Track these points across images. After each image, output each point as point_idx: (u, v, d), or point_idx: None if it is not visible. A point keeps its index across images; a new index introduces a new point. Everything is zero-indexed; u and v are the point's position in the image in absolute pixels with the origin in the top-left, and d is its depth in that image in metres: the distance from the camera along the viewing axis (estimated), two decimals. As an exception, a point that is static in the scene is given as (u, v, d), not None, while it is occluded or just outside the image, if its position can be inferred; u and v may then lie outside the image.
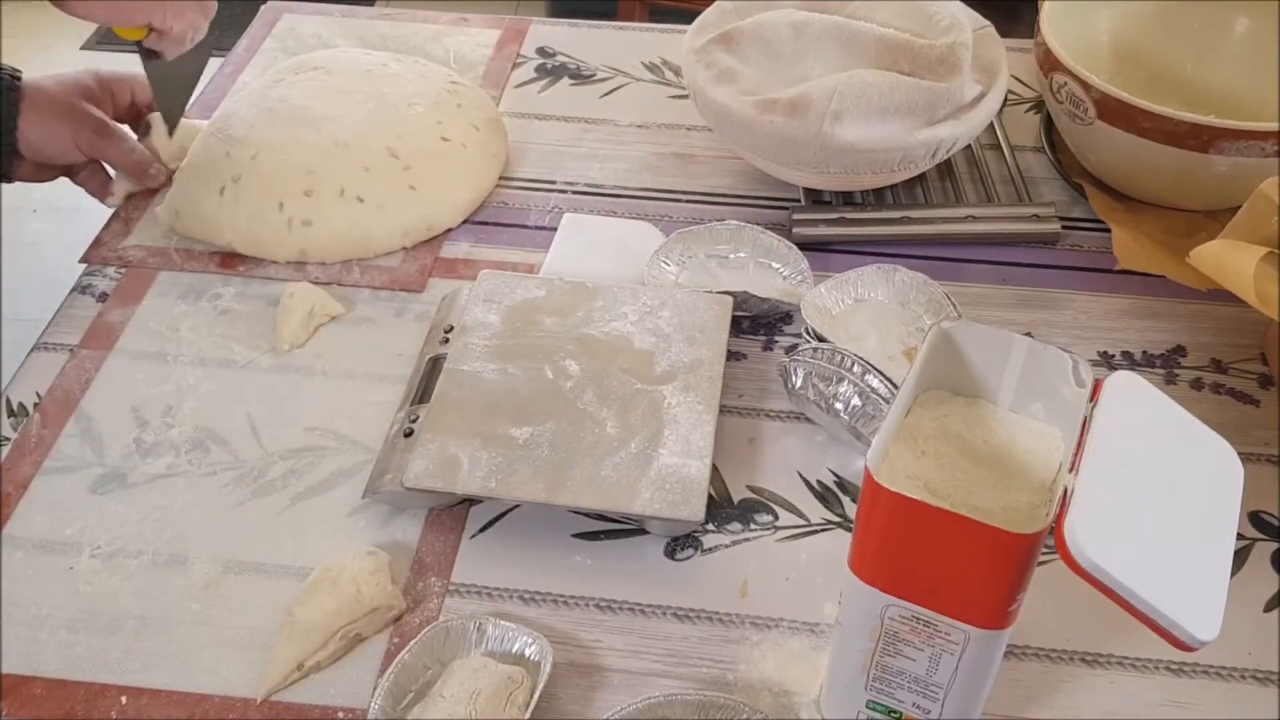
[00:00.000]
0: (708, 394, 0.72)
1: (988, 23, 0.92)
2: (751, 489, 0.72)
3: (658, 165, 0.96)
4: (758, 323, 0.82)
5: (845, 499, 0.72)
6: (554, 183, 0.95)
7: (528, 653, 0.62)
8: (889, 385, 0.70)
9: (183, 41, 0.85)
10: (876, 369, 0.70)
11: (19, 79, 0.84)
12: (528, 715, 0.59)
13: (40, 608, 0.66)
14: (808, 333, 0.76)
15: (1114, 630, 0.64)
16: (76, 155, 0.88)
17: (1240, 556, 0.68)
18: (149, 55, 0.86)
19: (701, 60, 0.89)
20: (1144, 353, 0.81)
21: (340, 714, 0.61)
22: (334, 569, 0.65)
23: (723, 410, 0.75)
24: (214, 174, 0.87)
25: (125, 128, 0.91)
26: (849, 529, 0.70)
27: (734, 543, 0.69)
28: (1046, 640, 0.64)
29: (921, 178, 0.93)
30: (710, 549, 0.69)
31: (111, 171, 0.92)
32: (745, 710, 0.59)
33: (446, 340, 0.77)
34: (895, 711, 0.56)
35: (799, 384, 0.73)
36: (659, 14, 1.83)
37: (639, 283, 0.82)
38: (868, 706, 0.57)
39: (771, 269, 0.84)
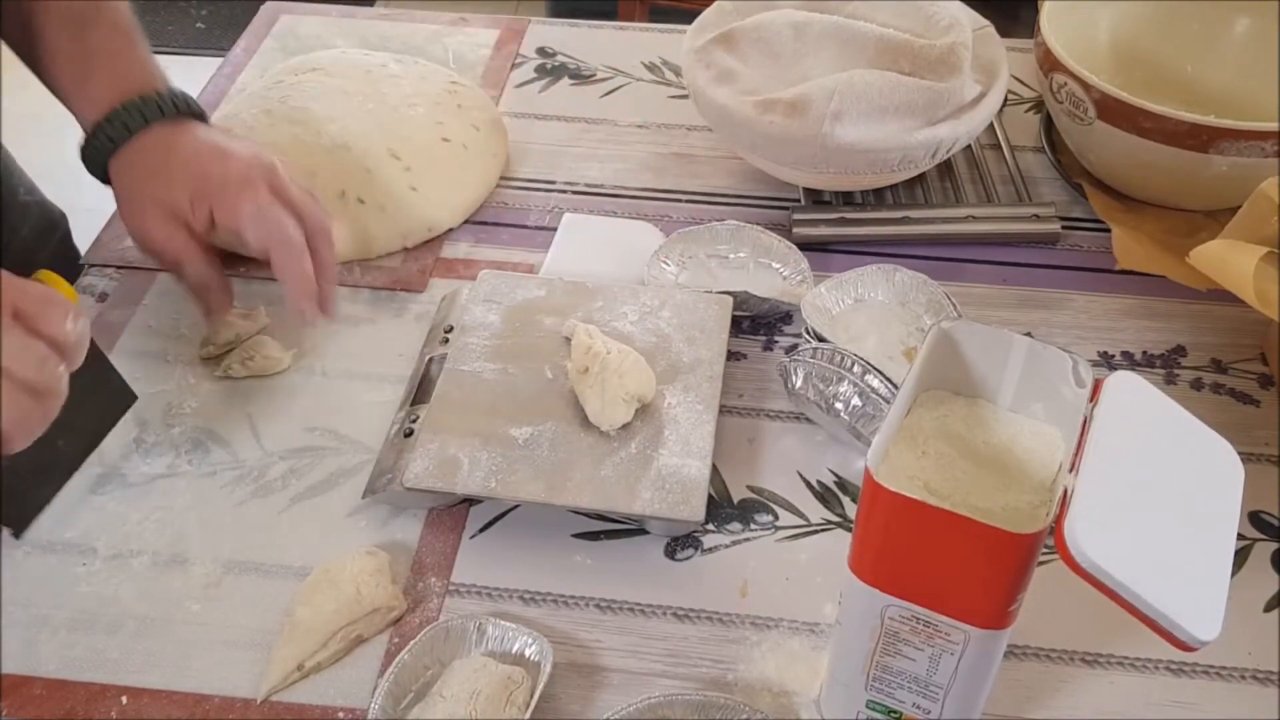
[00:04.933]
0: (708, 394, 0.72)
1: (988, 23, 0.92)
2: (751, 489, 0.72)
3: (658, 165, 0.96)
4: (758, 323, 0.82)
5: (845, 499, 0.71)
6: (554, 183, 0.95)
7: (528, 653, 0.62)
8: (889, 385, 0.70)
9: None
10: (876, 369, 0.70)
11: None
12: (528, 715, 0.59)
13: (40, 608, 0.66)
14: (808, 333, 0.76)
15: (1114, 630, 0.64)
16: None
17: (1240, 556, 0.68)
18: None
19: (701, 60, 0.89)
20: (1144, 353, 0.81)
21: (340, 714, 0.61)
22: (334, 569, 0.65)
23: (723, 410, 0.74)
24: (214, 174, 0.87)
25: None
26: (849, 529, 0.70)
27: (734, 543, 0.69)
28: (1046, 640, 0.64)
29: (921, 178, 0.93)
30: (710, 549, 0.69)
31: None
32: (745, 710, 0.59)
33: (446, 340, 0.77)
34: (895, 711, 0.56)
35: (799, 384, 0.73)
36: (659, 14, 1.83)
37: (639, 283, 0.82)
38: (868, 706, 0.57)
39: (771, 269, 0.84)
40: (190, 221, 0.69)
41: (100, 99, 0.69)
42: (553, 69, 1.07)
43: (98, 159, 0.70)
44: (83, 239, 0.90)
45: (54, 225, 0.91)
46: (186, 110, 0.71)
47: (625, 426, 0.70)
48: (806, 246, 0.85)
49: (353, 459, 0.74)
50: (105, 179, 0.71)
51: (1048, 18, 0.89)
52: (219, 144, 0.72)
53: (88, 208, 0.97)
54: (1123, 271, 0.86)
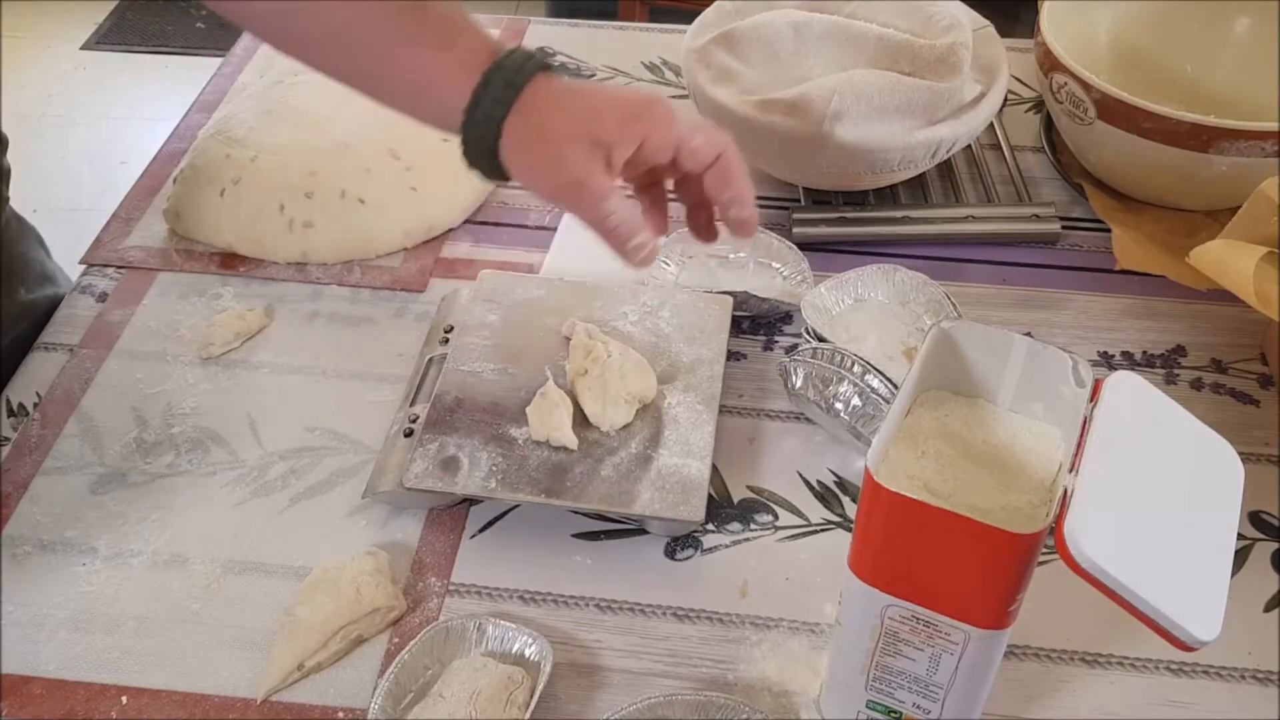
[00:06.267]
0: (708, 394, 0.72)
1: (988, 23, 0.92)
2: (751, 489, 0.72)
3: (658, 165, 0.96)
4: (758, 323, 0.82)
5: (845, 499, 0.72)
6: (554, 183, 0.94)
7: (528, 653, 0.62)
8: (889, 385, 0.70)
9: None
10: (876, 369, 0.70)
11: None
12: (528, 715, 0.59)
13: (40, 608, 0.66)
14: (808, 333, 0.76)
15: (1114, 630, 0.64)
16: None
17: (1240, 556, 0.68)
18: None
19: (701, 60, 0.89)
20: (1144, 353, 0.81)
21: (340, 714, 0.61)
22: (333, 569, 0.65)
23: (723, 410, 0.74)
24: (214, 176, 0.87)
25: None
26: (849, 529, 0.70)
27: (734, 543, 0.69)
28: (1046, 640, 0.64)
29: (921, 178, 0.93)
30: (710, 549, 0.69)
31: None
32: (745, 710, 0.59)
33: (446, 340, 0.77)
34: (895, 711, 0.56)
35: (799, 384, 0.73)
36: (659, 14, 1.83)
37: (639, 283, 0.82)
38: (868, 706, 0.57)
39: (771, 269, 0.84)
40: (614, 149, 0.64)
41: (471, 62, 0.65)
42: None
43: (496, 110, 0.64)
44: (83, 238, 0.90)
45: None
46: (552, 62, 0.68)
47: (625, 426, 0.70)
48: (806, 246, 0.85)
49: (353, 459, 0.74)
50: (492, 139, 0.65)
51: (1048, 18, 0.89)
52: (605, 83, 0.68)
53: (87, 208, 0.97)
54: (1123, 271, 0.86)
